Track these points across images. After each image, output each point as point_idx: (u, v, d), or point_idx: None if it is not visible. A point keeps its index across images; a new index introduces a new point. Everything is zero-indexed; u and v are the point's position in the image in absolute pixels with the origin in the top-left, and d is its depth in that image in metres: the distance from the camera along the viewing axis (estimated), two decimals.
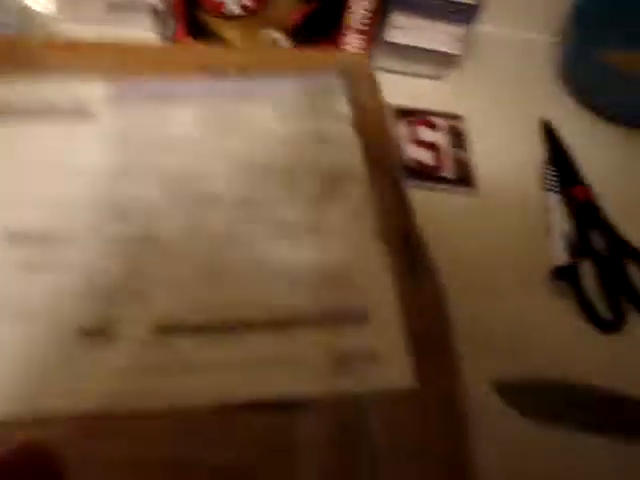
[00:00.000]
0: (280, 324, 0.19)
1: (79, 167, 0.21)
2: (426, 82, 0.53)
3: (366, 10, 0.45)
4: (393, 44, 0.49)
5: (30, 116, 0.23)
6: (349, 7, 0.45)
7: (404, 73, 0.52)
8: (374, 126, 0.24)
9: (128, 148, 0.22)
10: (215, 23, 0.47)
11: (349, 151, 0.23)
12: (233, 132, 0.23)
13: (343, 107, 0.24)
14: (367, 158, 0.23)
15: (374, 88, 0.26)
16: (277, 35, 0.48)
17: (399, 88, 0.51)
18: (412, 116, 0.49)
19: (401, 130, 0.48)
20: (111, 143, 0.22)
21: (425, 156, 0.47)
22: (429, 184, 0.45)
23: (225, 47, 0.43)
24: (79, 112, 0.24)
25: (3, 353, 0.17)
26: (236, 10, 0.46)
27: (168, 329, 0.18)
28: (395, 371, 0.18)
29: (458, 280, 0.37)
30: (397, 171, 0.23)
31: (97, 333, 0.18)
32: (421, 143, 0.48)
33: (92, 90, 0.24)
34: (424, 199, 0.43)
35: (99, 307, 0.18)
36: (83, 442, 0.16)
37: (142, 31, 0.48)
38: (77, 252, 0.19)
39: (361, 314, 0.19)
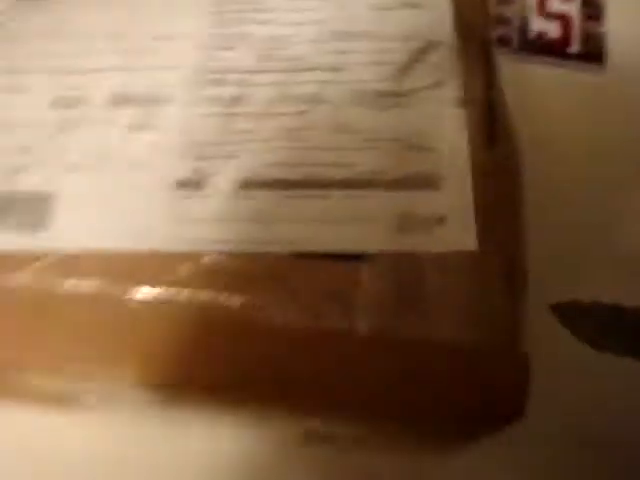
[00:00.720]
0: (355, 184, 0.20)
1: (178, 33, 0.23)
2: None
3: None
4: None
5: None
6: None
7: None
8: None
9: (223, 16, 0.23)
10: None
11: (439, 18, 0.23)
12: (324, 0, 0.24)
13: None
14: (457, 27, 0.22)
15: None
16: None
17: None
18: None
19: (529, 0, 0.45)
20: (208, 12, 0.24)
21: (552, 29, 0.44)
22: (552, 59, 0.43)
23: None
24: None
25: (110, 197, 0.20)
26: None
27: (253, 184, 0.20)
28: (459, 235, 0.19)
29: (571, 168, 0.36)
30: (487, 42, 0.22)
31: (191, 185, 0.20)
32: (550, 14, 0.44)
33: None
34: (544, 75, 0.42)
35: (193, 162, 0.20)
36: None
37: None
38: (175, 112, 0.22)
39: (434, 179, 0.20)
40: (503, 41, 0.43)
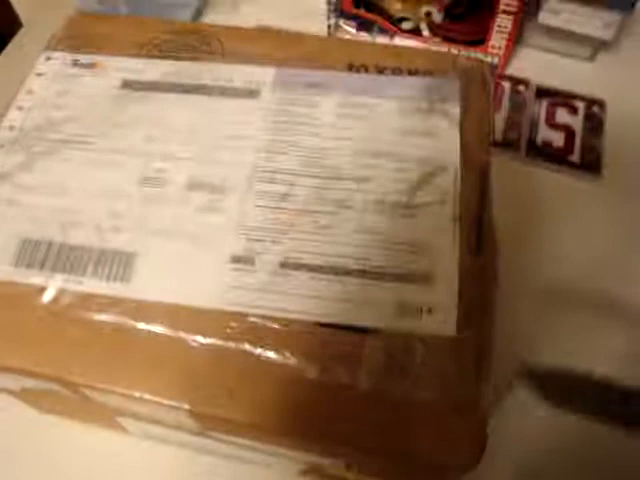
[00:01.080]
0: (368, 275, 0.26)
1: (242, 136, 0.30)
2: (574, 63, 0.55)
3: None
4: (545, 25, 0.52)
5: (212, 92, 0.32)
6: None
7: (553, 52, 0.55)
8: (477, 128, 0.30)
9: (279, 125, 0.30)
10: None
11: (449, 148, 0.29)
12: (362, 120, 0.30)
13: (455, 110, 0.30)
14: (463, 155, 0.29)
15: (486, 94, 0.31)
16: (432, 9, 0.53)
17: (545, 66, 0.55)
18: (553, 97, 0.53)
19: (540, 109, 0.52)
20: (268, 120, 0.30)
21: (557, 138, 0.50)
22: (555, 166, 0.49)
23: (369, 43, 0.49)
24: (248, 92, 0.32)
25: (181, 262, 0.26)
26: None
27: (290, 265, 0.26)
28: (443, 323, 0.25)
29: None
30: (485, 169, 0.29)
31: (243, 261, 0.27)
32: (556, 125, 0.51)
33: (261, 75, 0.32)
34: (547, 180, 0.48)
35: (246, 242, 0.27)
36: None
37: None
38: (235, 201, 0.28)
39: (428, 277, 0.26)
40: (513, 145, 0.50)
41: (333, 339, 0.25)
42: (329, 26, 0.56)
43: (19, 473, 0.38)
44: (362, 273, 0.26)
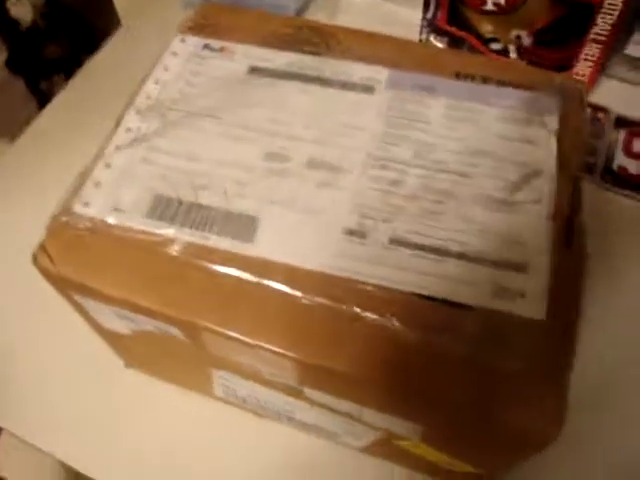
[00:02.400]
0: (467, 258, 0.29)
1: (358, 125, 0.34)
2: None
3: (610, 24, 0.51)
4: (631, 56, 0.55)
5: (332, 84, 0.36)
6: (594, 19, 0.51)
7: (633, 83, 0.58)
8: (572, 141, 0.33)
9: (392, 120, 0.34)
10: (472, 16, 0.57)
11: (547, 155, 0.32)
12: (467, 122, 0.34)
13: (553, 123, 0.33)
14: (558, 162, 0.32)
15: (582, 111, 0.34)
16: (523, 33, 0.56)
17: (626, 97, 0.57)
18: (632, 126, 0.55)
19: (618, 137, 0.54)
20: (382, 114, 0.34)
21: (632, 166, 0.53)
22: (629, 192, 0.51)
23: (474, 55, 0.52)
24: (364, 88, 0.36)
25: (298, 230, 0.30)
26: (493, 7, 0.55)
27: (398, 242, 0.30)
28: (534, 307, 0.28)
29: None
30: (578, 174, 0.32)
31: (356, 234, 0.30)
32: (633, 154, 0.54)
33: (376, 73, 0.36)
34: (620, 204, 0.50)
35: (359, 218, 0.30)
36: None
37: (413, 10, 0.59)
38: (351, 181, 0.32)
39: (523, 265, 0.29)
40: (590, 169, 0.52)
41: (433, 310, 0.28)
42: (420, 40, 0.60)
43: (102, 421, 0.42)
44: (462, 256, 0.29)
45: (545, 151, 0.33)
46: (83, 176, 0.33)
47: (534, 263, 0.29)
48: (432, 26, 0.58)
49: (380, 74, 0.36)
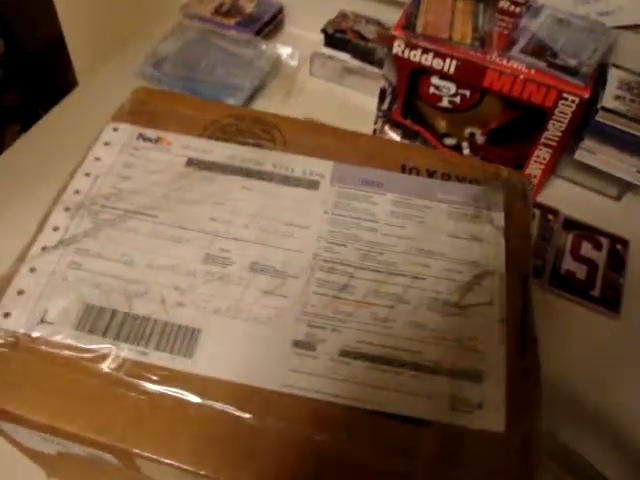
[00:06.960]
0: (422, 368, 0.29)
1: (302, 223, 0.33)
2: (602, 199, 0.59)
3: (561, 131, 0.52)
4: (580, 162, 0.56)
5: (274, 179, 0.35)
6: (546, 125, 0.52)
7: (582, 186, 0.60)
8: (519, 237, 0.34)
9: (338, 218, 0.33)
10: (428, 111, 0.58)
11: (496, 253, 0.33)
12: (415, 220, 0.34)
13: (500, 220, 0.34)
14: (507, 261, 0.32)
15: (527, 206, 0.35)
16: (476, 131, 0.57)
17: (574, 199, 0.58)
18: (580, 230, 0.56)
19: (566, 240, 0.55)
20: (327, 211, 0.34)
21: (580, 270, 0.53)
22: (575, 297, 0.52)
23: (420, 147, 0.54)
24: (309, 183, 0.35)
25: (242, 342, 0.29)
26: (448, 105, 0.56)
27: (349, 354, 0.29)
28: (492, 419, 0.27)
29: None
30: (527, 274, 0.32)
31: (304, 346, 0.29)
32: (580, 258, 0.54)
33: (320, 167, 0.36)
34: (566, 309, 0.50)
35: (307, 328, 0.29)
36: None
37: (369, 96, 0.60)
38: (296, 287, 0.31)
39: (478, 374, 0.29)
40: (537, 272, 0.53)
41: (389, 429, 0.27)
42: (375, 130, 0.61)
43: None
44: (416, 366, 0.29)
45: (494, 249, 0.33)
46: (4, 281, 0.31)
47: (489, 371, 0.29)
48: (387, 117, 0.59)
49: (324, 168, 0.36)
